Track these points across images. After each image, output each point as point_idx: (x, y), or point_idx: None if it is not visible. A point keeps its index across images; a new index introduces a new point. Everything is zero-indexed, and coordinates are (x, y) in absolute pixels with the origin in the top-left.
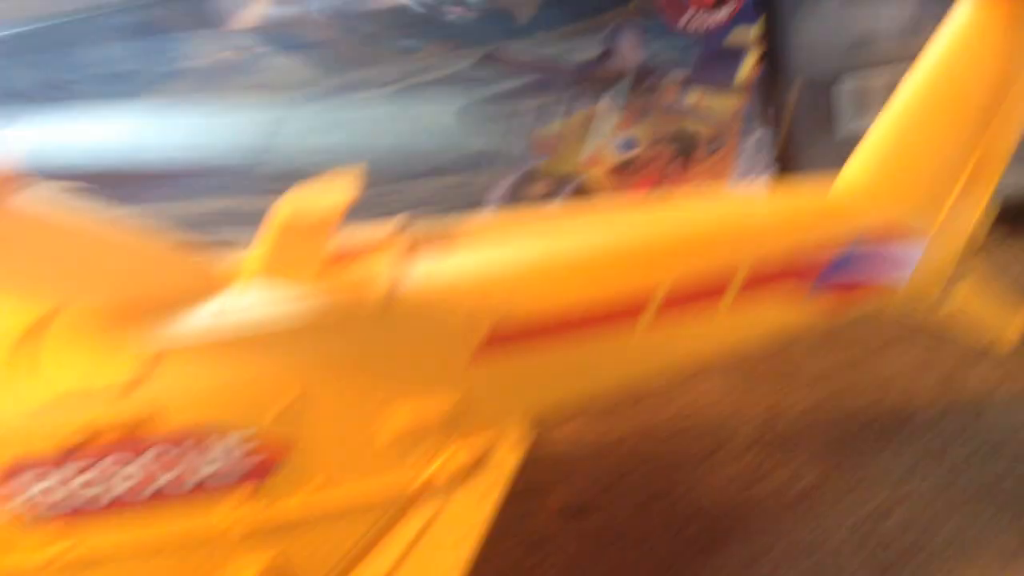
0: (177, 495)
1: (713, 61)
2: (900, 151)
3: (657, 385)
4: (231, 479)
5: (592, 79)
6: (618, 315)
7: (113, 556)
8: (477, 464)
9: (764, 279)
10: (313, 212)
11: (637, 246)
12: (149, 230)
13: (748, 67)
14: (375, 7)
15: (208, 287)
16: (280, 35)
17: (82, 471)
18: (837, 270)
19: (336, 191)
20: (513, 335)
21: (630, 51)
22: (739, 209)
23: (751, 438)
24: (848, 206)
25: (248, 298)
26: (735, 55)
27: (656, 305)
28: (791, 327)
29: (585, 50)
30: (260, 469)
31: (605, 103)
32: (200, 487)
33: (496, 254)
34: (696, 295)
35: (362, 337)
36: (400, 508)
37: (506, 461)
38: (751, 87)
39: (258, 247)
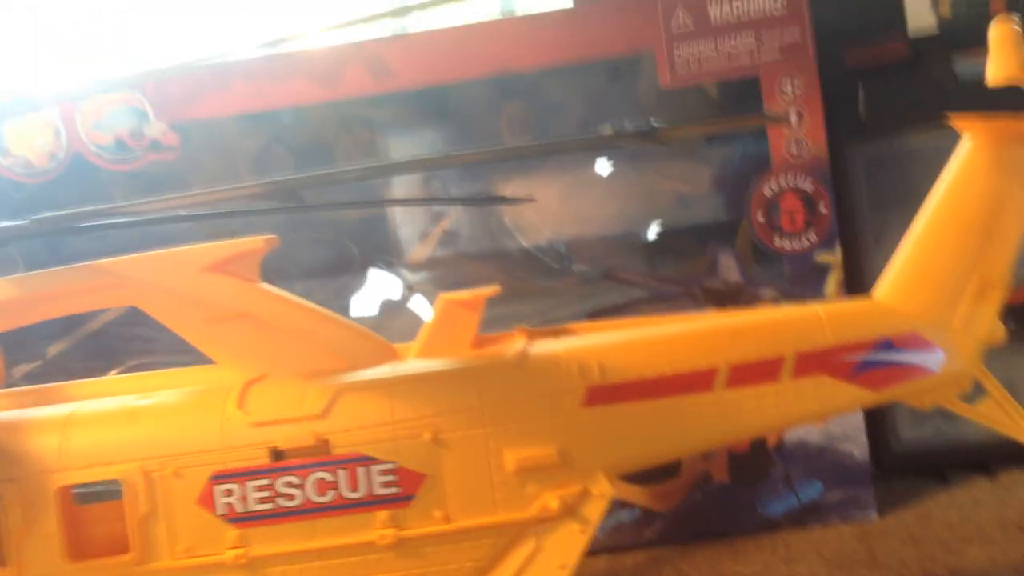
0: (332, 511)
1: (802, 278)
2: (919, 267)
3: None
4: (376, 502)
5: (699, 292)
6: (692, 383)
7: (278, 561)
8: (569, 510)
9: (813, 363)
10: (461, 303)
11: (706, 330)
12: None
13: (832, 284)
14: (518, 249)
15: (384, 357)
16: (440, 273)
17: (266, 484)
18: (875, 360)
19: (478, 291)
20: (609, 394)
21: (729, 269)
22: (791, 311)
23: None
24: (881, 310)
25: (412, 362)
26: (821, 274)
27: (724, 378)
28: (842, 402)
29: (692, 268)
30: (399, 495)
31: (710, 312)
32: (351, 506)
33: (597, 337)
34: (756, 372)
35: (495, 386)
36: (503, 544)
37: (594, 510)
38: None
39: (422, 333)
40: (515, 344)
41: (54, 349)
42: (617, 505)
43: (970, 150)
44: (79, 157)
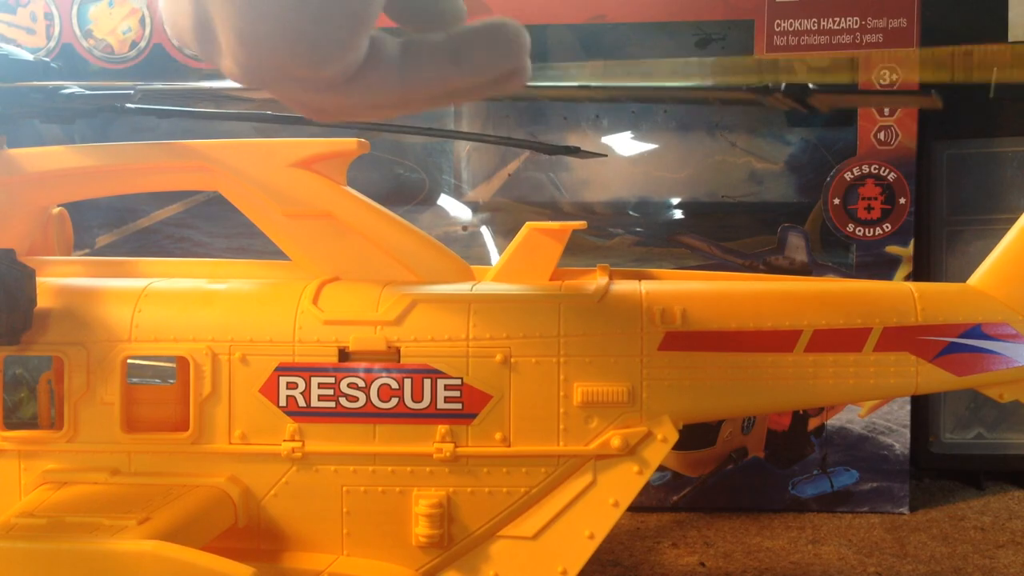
0: (393, 419)
1: (869, 267)
2: (1018, 259)
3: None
4: (438, 416)
5: (762, 267)
6: (774, 342)
7: (332, 460)
8: (630, 450)
9: (898, 338)
10: (547, 232)
11: (794, 292)
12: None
13: (900, 278)
14: (580, 202)
15: (461, 277)
16: (493, 217)
17: (330, 383)
18: (961, 345)
19: (566, 223)
20: (687, 341)
21: (796, 248)
22: (883, 285)
23: None
24: (975, 296)
25: (491, 284)
26: (889, 265)
27: (806, 340)
28: (922, 382)
29: (758, 242)
30: (462, 412)
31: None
32: (412, 416)
33: (681, 284)
34: (840, 339)
35: (575, 318)
36: (559, 474)
37: (655, 453)
38: None
39: (503, 258)
40: (597, 280)
41: (103, 240)
42: None
43: None
44: (160, 49)
